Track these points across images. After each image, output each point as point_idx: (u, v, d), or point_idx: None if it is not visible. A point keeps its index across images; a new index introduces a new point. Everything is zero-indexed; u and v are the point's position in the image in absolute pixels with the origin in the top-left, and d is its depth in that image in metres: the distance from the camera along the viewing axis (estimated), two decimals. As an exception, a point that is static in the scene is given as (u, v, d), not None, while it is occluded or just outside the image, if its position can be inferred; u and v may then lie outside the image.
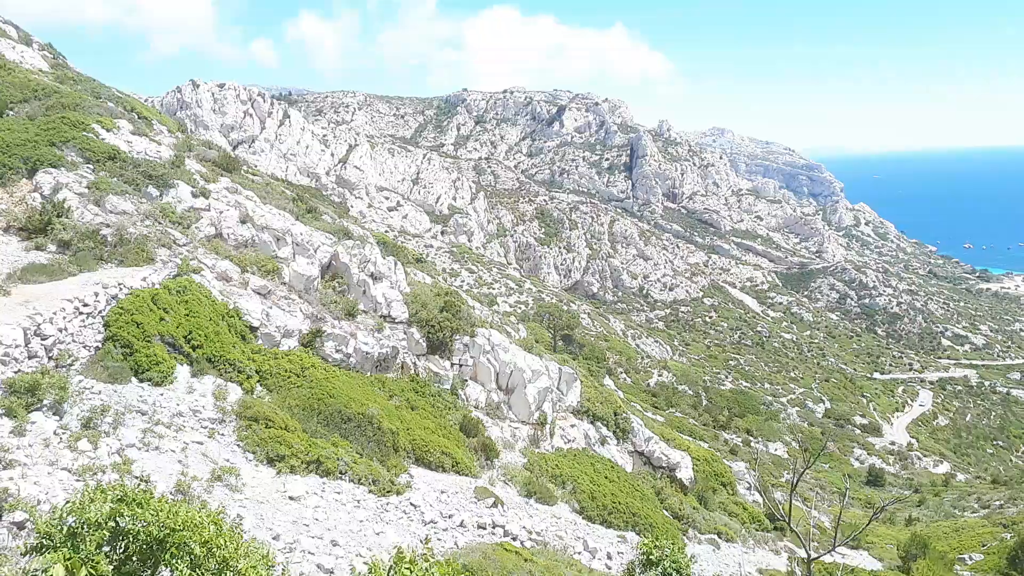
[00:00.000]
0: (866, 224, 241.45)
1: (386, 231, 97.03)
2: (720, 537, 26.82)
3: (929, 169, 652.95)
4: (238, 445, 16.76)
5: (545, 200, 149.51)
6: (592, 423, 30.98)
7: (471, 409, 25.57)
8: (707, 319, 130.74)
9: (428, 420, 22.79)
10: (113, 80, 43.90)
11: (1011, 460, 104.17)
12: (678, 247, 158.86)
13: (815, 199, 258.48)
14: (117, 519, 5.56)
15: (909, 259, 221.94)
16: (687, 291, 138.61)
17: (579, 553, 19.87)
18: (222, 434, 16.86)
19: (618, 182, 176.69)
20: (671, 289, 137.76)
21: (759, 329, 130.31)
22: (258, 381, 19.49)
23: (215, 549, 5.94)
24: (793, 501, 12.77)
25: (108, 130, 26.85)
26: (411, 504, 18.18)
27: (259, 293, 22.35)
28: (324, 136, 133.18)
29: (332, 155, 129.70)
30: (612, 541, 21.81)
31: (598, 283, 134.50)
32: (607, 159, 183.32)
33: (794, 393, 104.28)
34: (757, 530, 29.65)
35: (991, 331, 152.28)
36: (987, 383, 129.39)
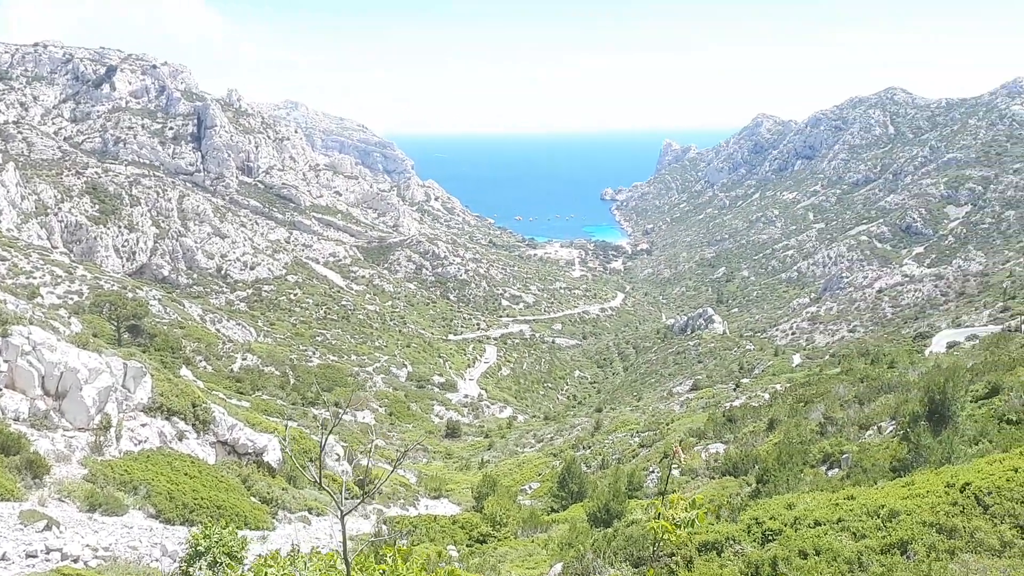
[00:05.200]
0: (436, 200, 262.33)
1: None
2: (311, 512, 26.88)
3: (489, 150, 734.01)
4: None
5: (98, 172, 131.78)
6: (168, 419, 28.48)
7: (9, 423, 21.55)
8: (292, 297, 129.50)
9: (-55, 443, 18.57)
10: None
11: (558, 398, 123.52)
12: (257, 224, 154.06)
13: (390, 175, 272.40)
14: None
15: (473, 231, 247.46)
16: (270, 269, 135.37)
17: (157, 560, 18.14)
18: None
19: (186, 154, 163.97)
20: (252, 268, 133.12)
21: (344, 303, 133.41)
22: None
23: None
24: (373, 463, 13.14)
25: None
26: (-73, 549, 14.65)
27: None
28: None
29: None
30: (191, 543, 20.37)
31: (169, 265, 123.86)
32: (171, 128, 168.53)
33: (379, 361, 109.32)
34: (347, 499, 30.35)
35: (539, 290, 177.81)
36: (537, 335, 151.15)
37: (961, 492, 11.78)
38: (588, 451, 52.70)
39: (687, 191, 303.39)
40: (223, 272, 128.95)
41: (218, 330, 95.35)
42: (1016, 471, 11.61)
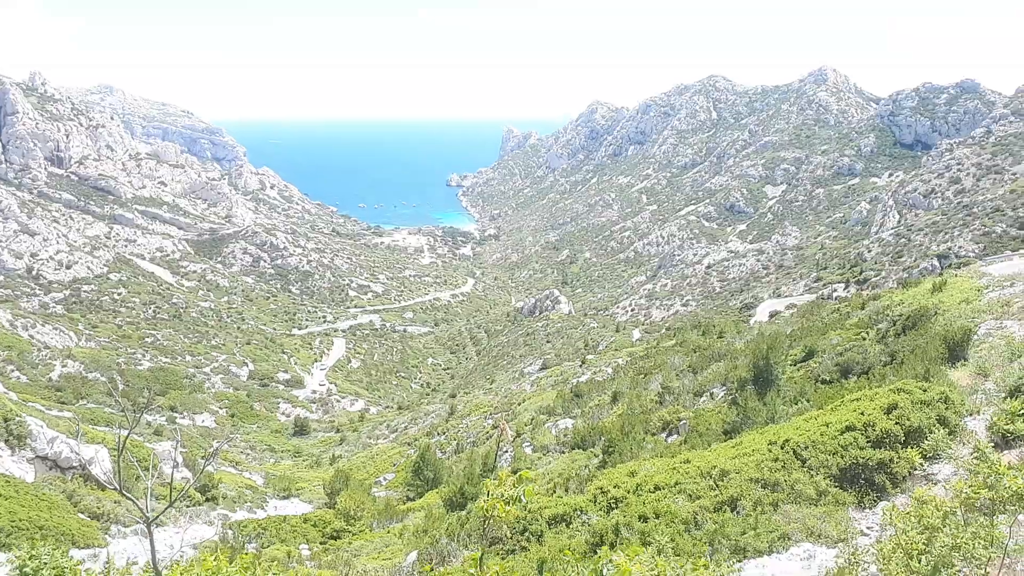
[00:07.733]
0: (272, 188, 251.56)
1: None
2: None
3: (328, 137, 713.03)
4: None
5: None
6: (-27, 436, 25.64)
7: None
8: (116, 296, 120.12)
9: None
10: None
11: (411, 387, 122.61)
12: (72, 219, 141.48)
13: (220, 163, 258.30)
14: None
15: (315, 220, 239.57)
16: (89, 268, 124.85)
17: (-33, 596, 16.33)
18: None
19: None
20: (69, 267, 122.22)
21: (175, 301, 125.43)
22: None
23: None
24: (216, 467, 12.44)
25: None
26: None
27: None
28: None
29: None
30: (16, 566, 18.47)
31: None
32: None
33: (217, 361, 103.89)
34: (189, 506, 28.74)
35: (388, 279, 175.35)
36: (388, 324, 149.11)
37: (782, 449, 12.79)
38: (443, 437, 52.81)
39: (530, 176, 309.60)
40: (34, 272, 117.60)
41: (31, 336, 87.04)
42: (828, 425, 12.74)
